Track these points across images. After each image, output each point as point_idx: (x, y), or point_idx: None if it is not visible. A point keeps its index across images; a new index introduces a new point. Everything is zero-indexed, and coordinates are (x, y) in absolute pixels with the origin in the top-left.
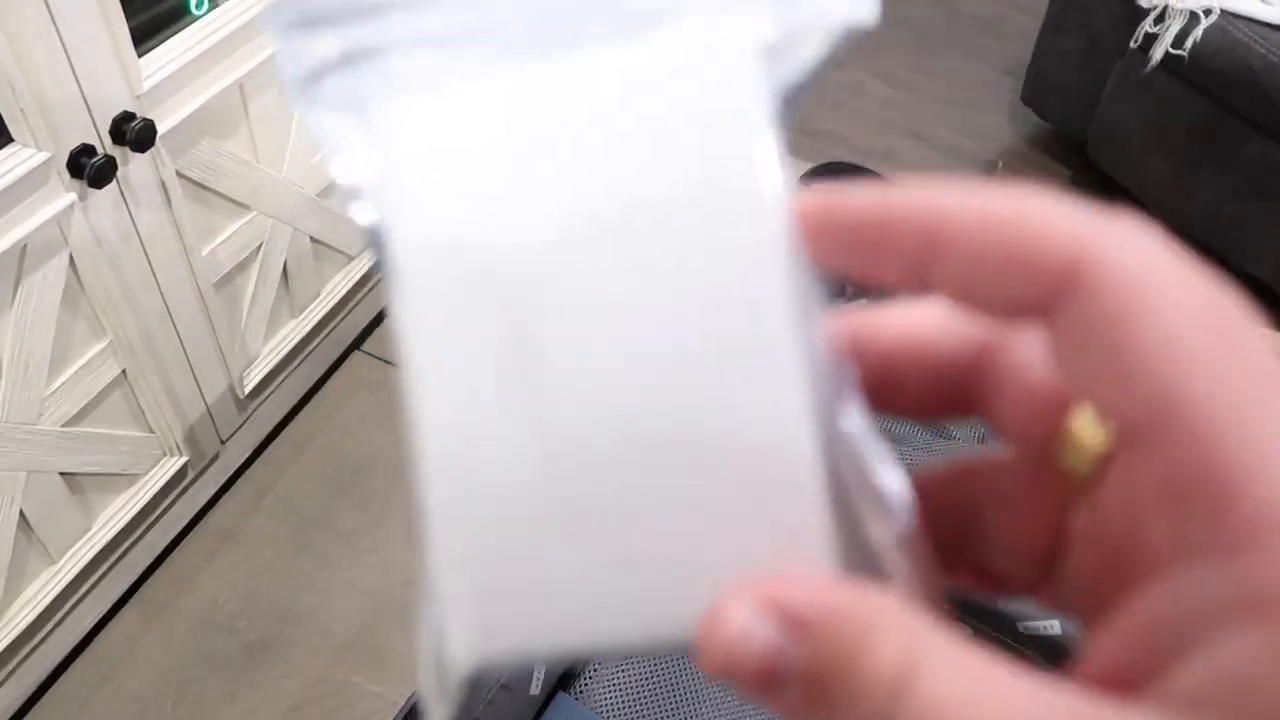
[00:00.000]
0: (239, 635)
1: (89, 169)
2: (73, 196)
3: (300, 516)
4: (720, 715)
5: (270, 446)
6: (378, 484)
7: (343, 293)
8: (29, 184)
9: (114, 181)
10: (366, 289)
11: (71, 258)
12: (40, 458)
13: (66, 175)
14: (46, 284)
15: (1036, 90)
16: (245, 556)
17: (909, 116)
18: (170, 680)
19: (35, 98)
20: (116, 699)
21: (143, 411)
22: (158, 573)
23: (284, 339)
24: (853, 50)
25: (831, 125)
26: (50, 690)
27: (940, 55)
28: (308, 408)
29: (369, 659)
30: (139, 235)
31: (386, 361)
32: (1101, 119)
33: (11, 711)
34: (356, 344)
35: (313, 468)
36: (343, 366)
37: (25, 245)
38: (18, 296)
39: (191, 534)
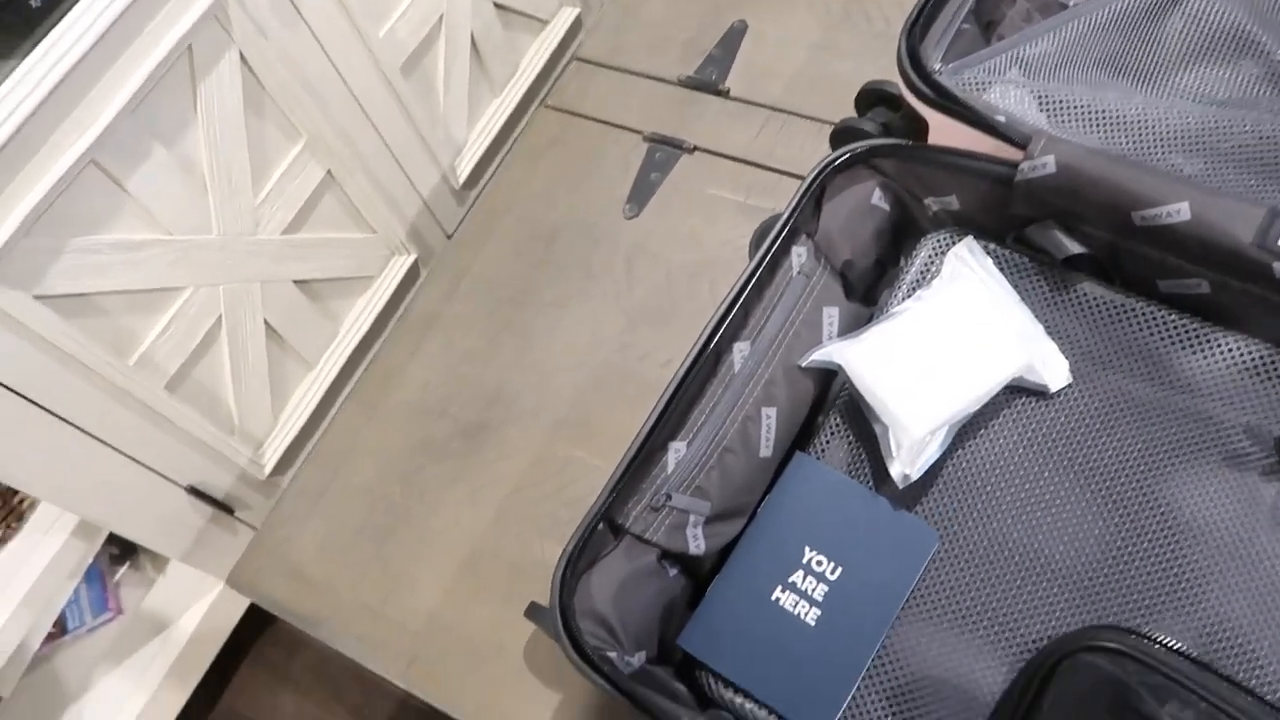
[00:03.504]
0: (453, 420)
1: None
2: None
3: (499, 295)
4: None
5: (460, 227)
6: (575, 249)
7: (542, 63)
8: None
9: None
10: (568, 55)
11: (242, 54)
12: (269, 267)
13: None
14: (223, 85)
15: None
16: (449, 342)
17: None
18: (394, 470)
19: None
20: (346, 491)
21: (359, 211)
22: (367, 366)
23: (489, 122)
24: None
25: None
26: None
27: None
28: (493, 178)
29: (586, 433)
30: (305, 21)
31: (571, 113)
32: None
33: (268, 506)
34: (543, 101)
35: (505, 241)
36: (523, 125)
37: (190, 45)
38: (199, 104)
39: (392, 325)
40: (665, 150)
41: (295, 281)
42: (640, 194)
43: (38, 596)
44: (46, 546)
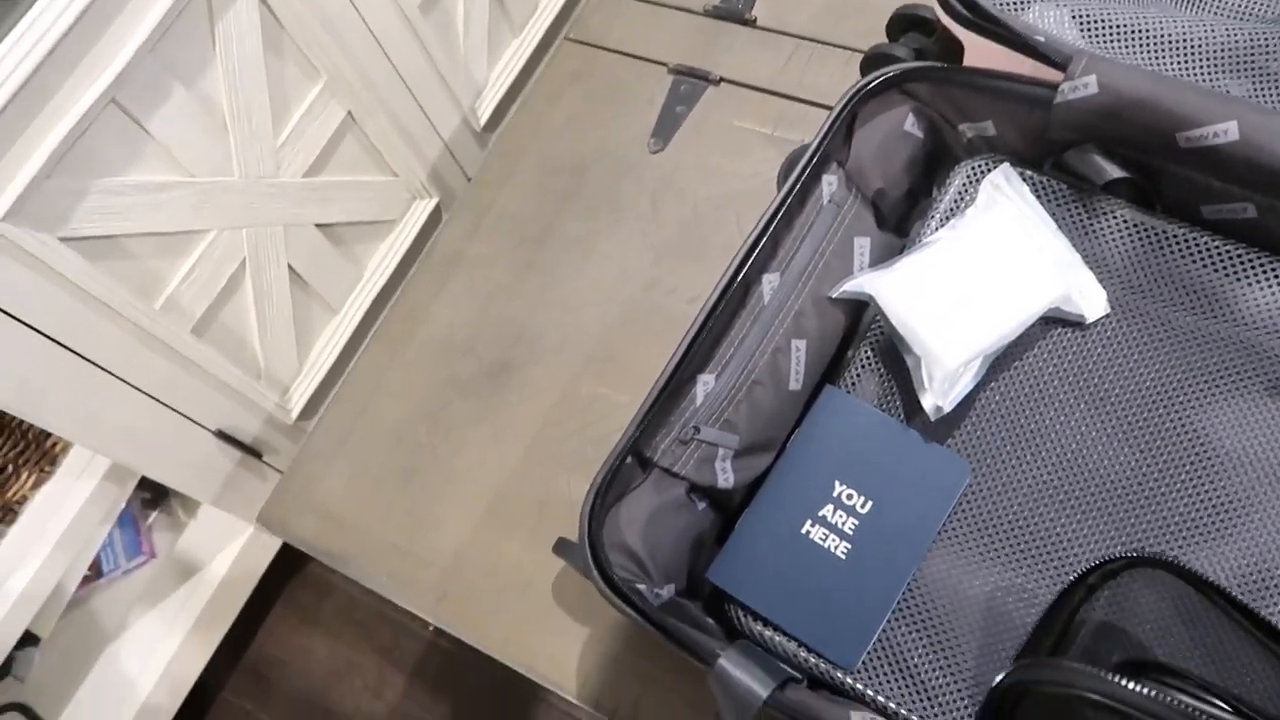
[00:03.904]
0: (478, 359)
1: None
2: None
3: (523, 232)
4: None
5: (481, 163)
6: (600, 184)
7: None
8: None
9: None
10: None
11: None
12: (291, 210)
13: None
14: (242, 25)
15: None
16: (472, 280)
17: None
18: (419, 409)
19: None
20: (372, 430)
21: (380, 154)
22: (392, 305)
23: (509, 62)
24: None
25: None
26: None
27: None
28: (515, 114)
29: (613, 369)
30: None
31: (594, 46)
32: None
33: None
34: (566, 35)
35: (528, 177)
36: (545, 62)
37: None
38: (217, 43)
39: (416, 263)
40: (691, 82)
41: (318, 225)
42: (665, 127)
43: (72, 540)
44: (79, 490)
